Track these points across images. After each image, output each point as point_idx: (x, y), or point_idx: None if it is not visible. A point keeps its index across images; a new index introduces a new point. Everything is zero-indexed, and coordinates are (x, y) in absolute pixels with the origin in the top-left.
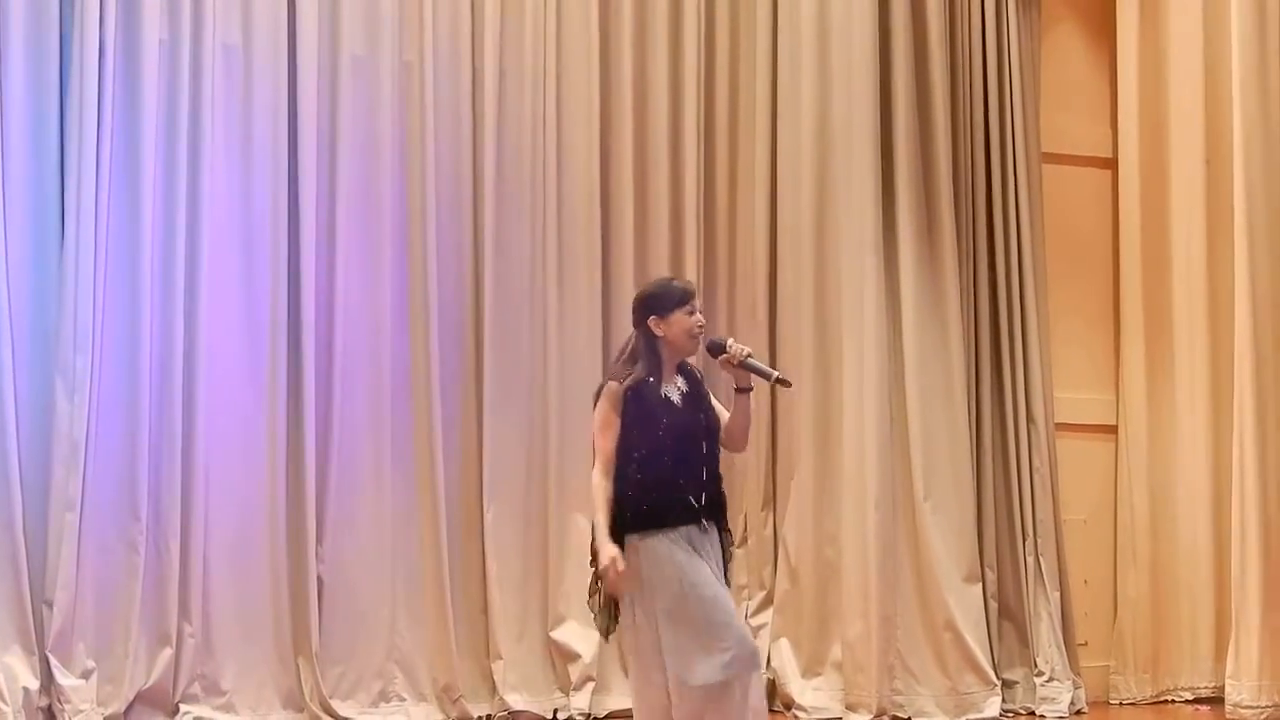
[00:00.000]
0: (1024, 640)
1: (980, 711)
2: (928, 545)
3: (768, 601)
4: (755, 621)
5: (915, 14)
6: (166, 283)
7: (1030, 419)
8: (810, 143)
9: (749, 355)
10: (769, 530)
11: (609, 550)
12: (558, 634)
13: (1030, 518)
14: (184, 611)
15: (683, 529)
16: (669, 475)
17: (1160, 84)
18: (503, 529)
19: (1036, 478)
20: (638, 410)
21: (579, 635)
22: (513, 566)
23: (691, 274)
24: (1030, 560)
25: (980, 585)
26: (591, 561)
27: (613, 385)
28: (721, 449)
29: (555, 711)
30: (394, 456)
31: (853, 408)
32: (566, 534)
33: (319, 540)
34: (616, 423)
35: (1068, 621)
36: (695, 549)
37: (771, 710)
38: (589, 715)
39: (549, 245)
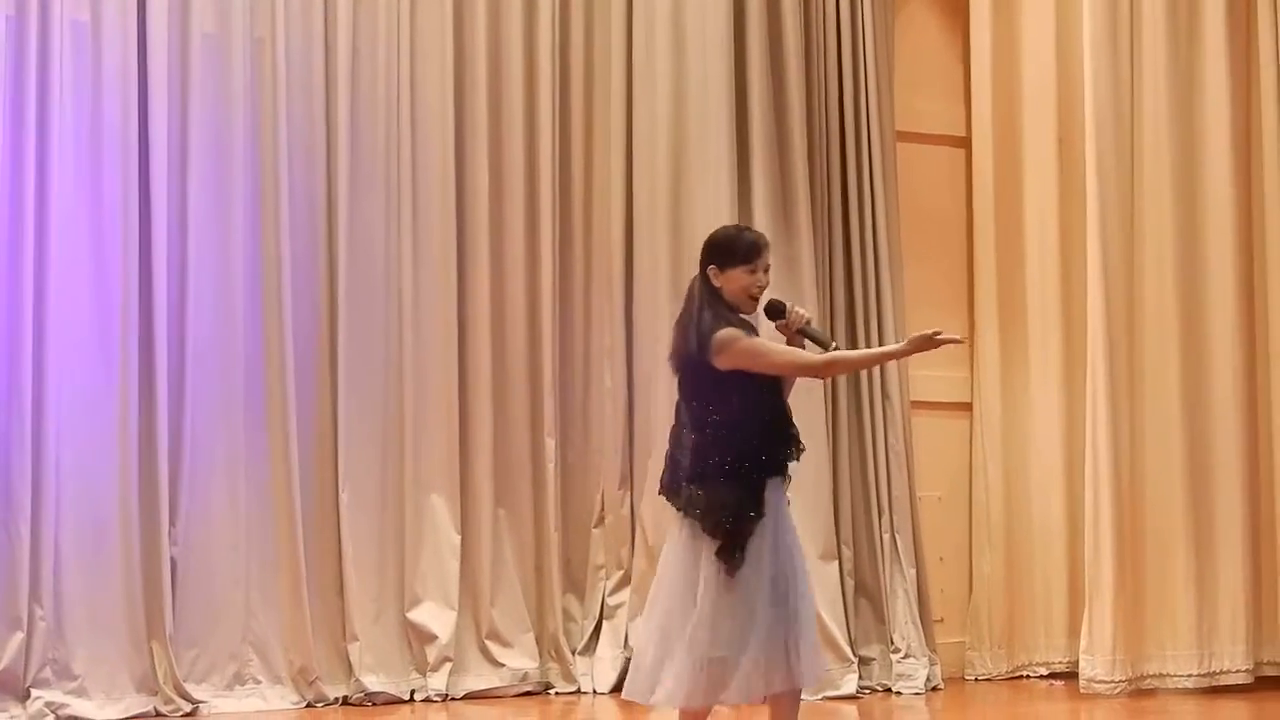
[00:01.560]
0: (880, 617)
1: (837, 689)
2: None
3: (625, 581)
4: (613, 601)
5: None
6: (14, 264)
7: (886, 397)
8: (665, 122)
9: (808, 322)
10: (626, 509)
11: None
12: (414, 615)
13: (886, 495)
14: (35, 595)
15: (781, 483)
16: (777, 422)
17: (1013, 62)
18: (358, 511)
19: (892, 455)
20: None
21: (435, 616)
22: (368, 548)
23: (547, 254)
24: (886, 537)
25: (836, 563)
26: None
27: (728, 329)
28: None
29: (412, 693)
30: (248, 438)
31: None
32: (422, 515)
33: (172, 523)
34: (762, 344)
35: (923, 598)
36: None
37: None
38: (446, 696)
39: (404, 223)
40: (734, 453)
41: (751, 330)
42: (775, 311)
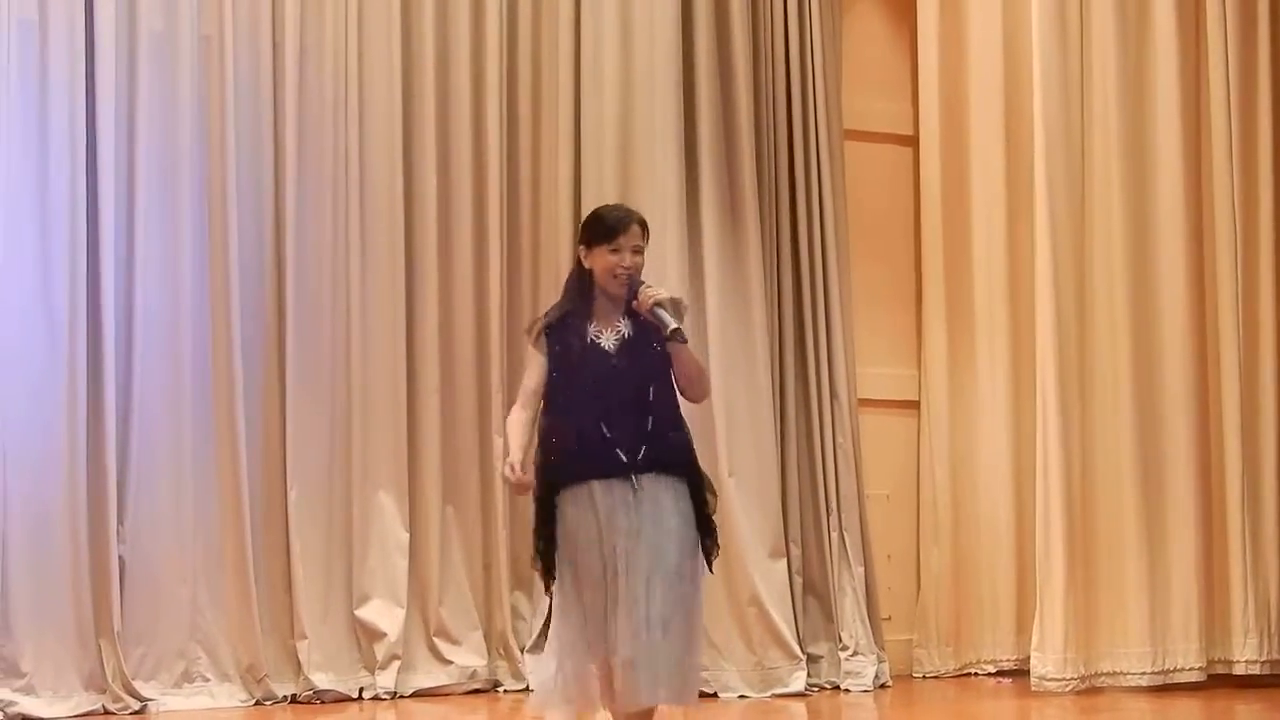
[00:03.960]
0: (828, 615)
1: (786, 686)
2: (732, 521)
3: None
4: None
5: None
6: None
7: (834, 395)
8: (613, 121)
9: (656, 302)
10: None
11: (510, 458)
12: (362, 612)
13: (834, 493)
14: None
15: (605, 484)
16: (591, 426)
17: (960, 60)
18: (306, 508)
19: (840, 454)
20: (559, 351)
21: (384, 614)
22: (316, 545)
23: (494, 254)
24: (834, 535)
25: (785, 561)
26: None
27: (536, 323)
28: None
29: (361, 690)
30: (195, 435)
31: None
32: (370, 513)
33: (120, 521)
34: (538, 360)
35: (871, 596)
36: (621, 510)
37: None
38: (395, 694)
39: (351, 220)
40: (540, 451)
41: (561, 335)
42: (631, 291)
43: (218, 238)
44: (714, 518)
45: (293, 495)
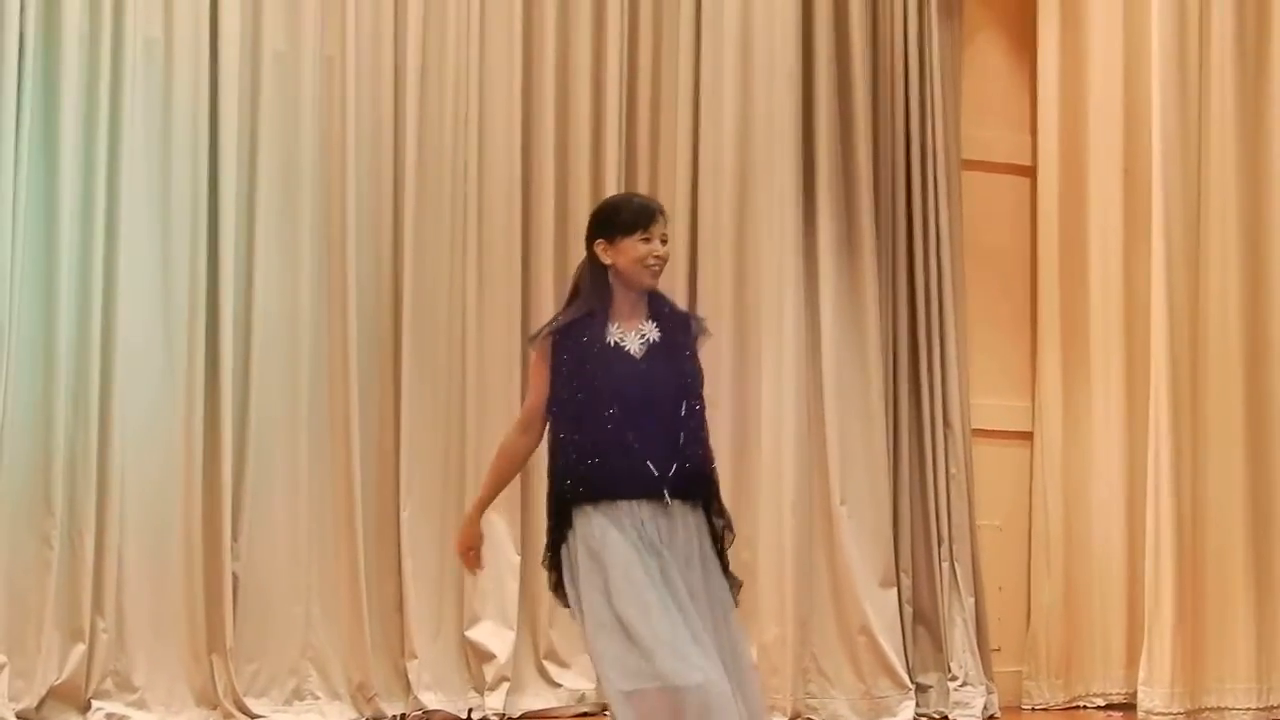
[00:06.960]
0: (938, 645)
1: (894, 715)
2: (843, 549)
3: None
4: None
5: (838, 21)
6: (84, 280)
7: (947, 425)
8: (731, 149)
9: None
10: None
11: (464, 530)
12: (473, 633)
13: (946, 523)
14: (98, 607)
15: (633, 504)
16: (616, 436)
17: (1080, 92)
18: (419, 527)
19: (952, 484)
20: (573, 357)
21: (494, 635)
22: (429, 565)
23: None
24: (945, 565)
25: (895, 590)
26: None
27: (543, 332)
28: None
29: (470, 711)
30: (310, 453)
31: (770, 411)
32: (484, 532)
33: (234, 537)
34: (545, 373)
35: (981, 626)
36: (649, 533)
37: None
38: (504, 715)
39: (469, 243)
40: (558, 465)
41: (576, 339)
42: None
43: (336, 258)
44: (728, 554)
45: (405, 514)
